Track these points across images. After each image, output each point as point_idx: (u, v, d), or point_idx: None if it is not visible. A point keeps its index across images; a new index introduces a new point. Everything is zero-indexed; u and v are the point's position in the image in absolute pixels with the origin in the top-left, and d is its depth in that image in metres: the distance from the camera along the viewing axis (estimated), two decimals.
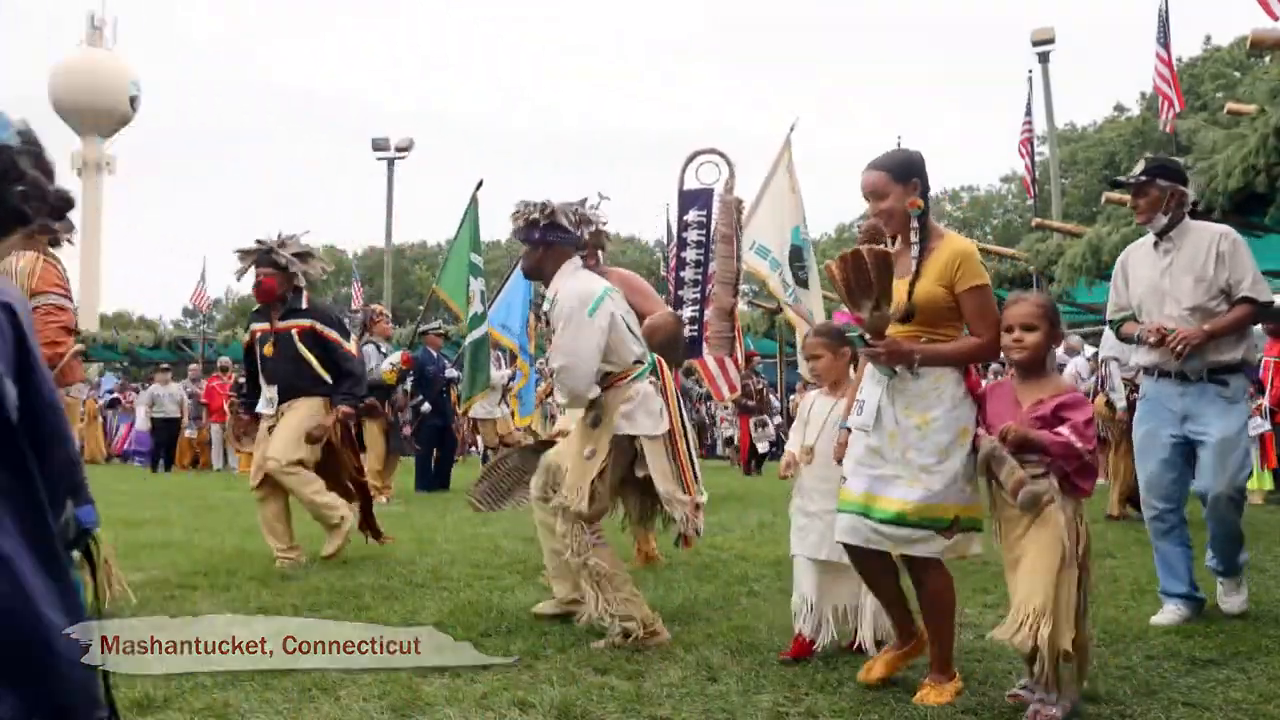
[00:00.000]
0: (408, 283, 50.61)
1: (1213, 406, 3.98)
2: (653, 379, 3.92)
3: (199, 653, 3.53)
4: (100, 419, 21.13)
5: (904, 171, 3.17)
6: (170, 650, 3.59)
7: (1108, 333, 7.51)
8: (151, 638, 3.97)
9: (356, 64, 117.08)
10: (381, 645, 3.57)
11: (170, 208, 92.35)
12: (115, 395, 21.87)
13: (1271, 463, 9.40)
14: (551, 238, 3.95)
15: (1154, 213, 4.13)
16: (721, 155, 7.54)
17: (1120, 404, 7.44)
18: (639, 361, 3.92)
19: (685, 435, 3.94)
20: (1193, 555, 4.14)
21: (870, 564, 3.15)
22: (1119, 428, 7.61)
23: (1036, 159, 19.74)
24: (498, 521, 6.98)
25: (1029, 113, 18.15)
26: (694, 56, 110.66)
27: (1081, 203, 34.73)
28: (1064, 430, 2.81)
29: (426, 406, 10.93)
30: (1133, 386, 7.48)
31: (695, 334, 8.21)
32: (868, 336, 3.04)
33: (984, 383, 3.18)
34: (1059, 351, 15.59)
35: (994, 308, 3.12)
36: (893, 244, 3.23)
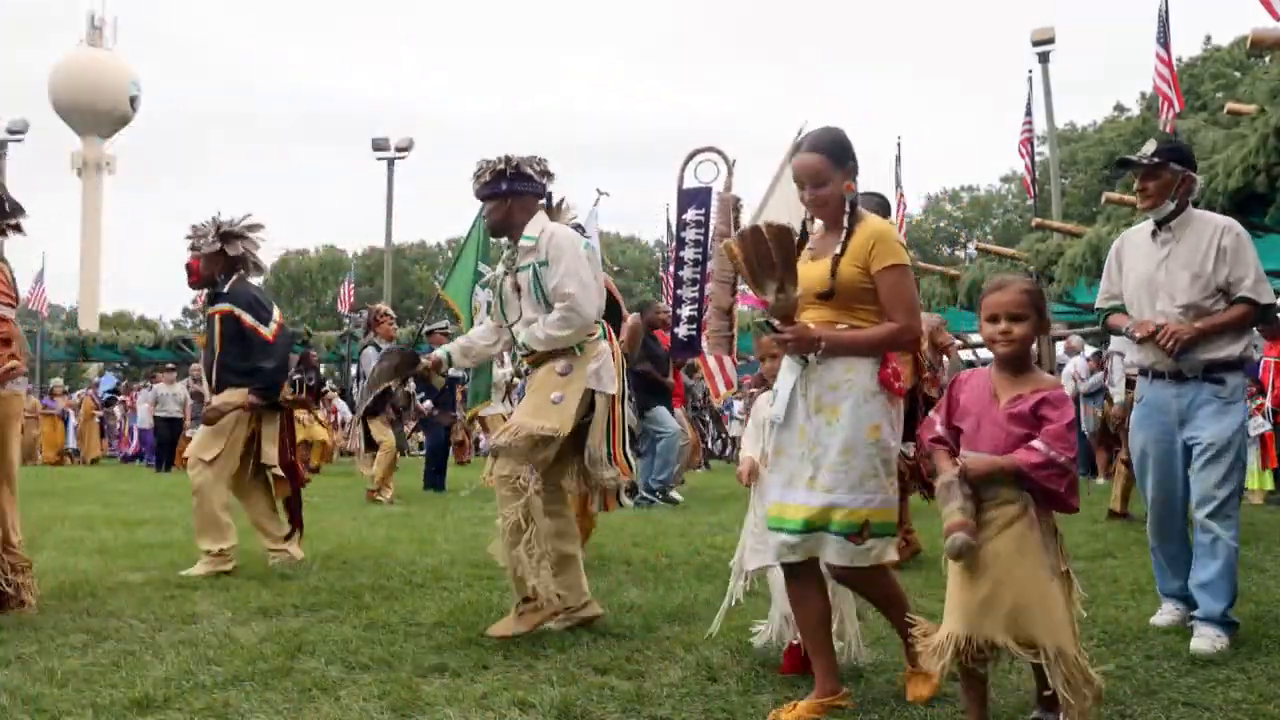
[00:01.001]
0: (407, 283, 50.62)
1: (1208, 407, 3.74)
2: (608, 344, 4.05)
3: (199, 653, 3.55)
4: (96, 419, 21.14)
5: (843, 154, 3.01)
6: (170, 650, 3.60)
7: None
8: (152, 638, 4.00)
9: (357, 64, 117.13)
10: (381, 645, 3.58)
11: (170, 208, 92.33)
12: (112, 395, 21.89)
13: (1272, 462, 9.41)
14: (519, 187, 4.00)
15: (1162, 198, 3.86)
16: (720, 154, 7.53)
17: (1118, 398, 7.44)
18: (598, 323, 4.02)
19: (623, 407, 4.02)
20: (1191, 558, 3.90)
21: (796, 585, 3.00)
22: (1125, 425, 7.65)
23: (1036, 159, 19.74)
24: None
25: (1029, 113, 18.15)
26: (694, 57, 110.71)
27: (1081, 203, 34.71)
28: (1038, 444, 2.49)
29: (428, 404, 10.94)
30: (1131, 382, 7.51)
31: (694, 333, 8.21)
32: (774, 322, 2.85)
33: (945, 378, 3.12)
34: (1059, 350, 15.61)
35: (911, 291, 2.94)
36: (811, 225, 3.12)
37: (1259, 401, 9.47)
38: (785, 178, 8.90)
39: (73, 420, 21.68)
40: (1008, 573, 2.47)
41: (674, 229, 8.67)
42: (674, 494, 9.76)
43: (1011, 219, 45.86)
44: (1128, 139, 33.35)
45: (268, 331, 5.55)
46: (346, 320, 27.04)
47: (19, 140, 28.69)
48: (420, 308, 41.74)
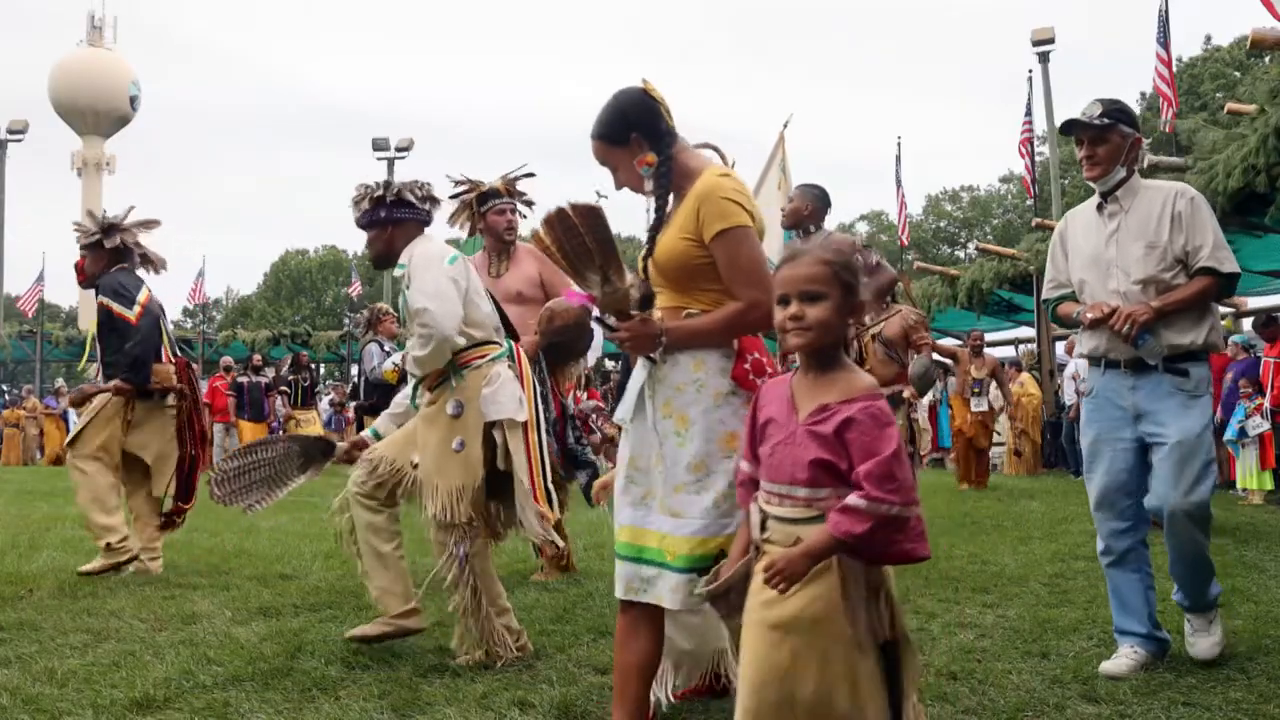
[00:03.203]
0: None
1: (1170, 401, 3.33)
2: (510, 364, 3.69)
3: (199, 653, 3.55)
4: None
5: (620, 130, 2.59)
6: (170, 650, 3.60)
7: None
8: (152, 638, 3.99)
9: (357, 64, 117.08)
10: (381, 645, 3.58)
11: (170, 208, 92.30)
12: None
13: (1271, 462, 9.41)
14: (399, 214, 3.72)
15: (1112, 165, 3.46)
16: (717, 150, 7.53)
17: None
18: (496, 342, 3.69)
19: (540, 434, 3.67)
20: (1154, 587, 3.47)
21: (630, 619, 2.50)
22: None
23: (1036, 159, 19.75)
24: None
25: (1029, 113, 18.17)
26: (694, 57, 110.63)
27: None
28: (856, 501, 1.83)
29: None
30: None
31: None
32: (608, 318, 2.46)
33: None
34: (1059, 350, 15.53)
35: (753, 257, 2.45)
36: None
37: (1258, 401, 9.49)
38: (770, 174, 8.92)
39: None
40: (807, 645, 1.88)
41: None
42: None
43: (1011, 219, 45.87)
44: None
45: (130, 314, 5.39)
46: (346, 320, 27.07)
47: (19, 140, 28.71)
48: None
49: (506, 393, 3.55)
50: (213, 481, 3.95)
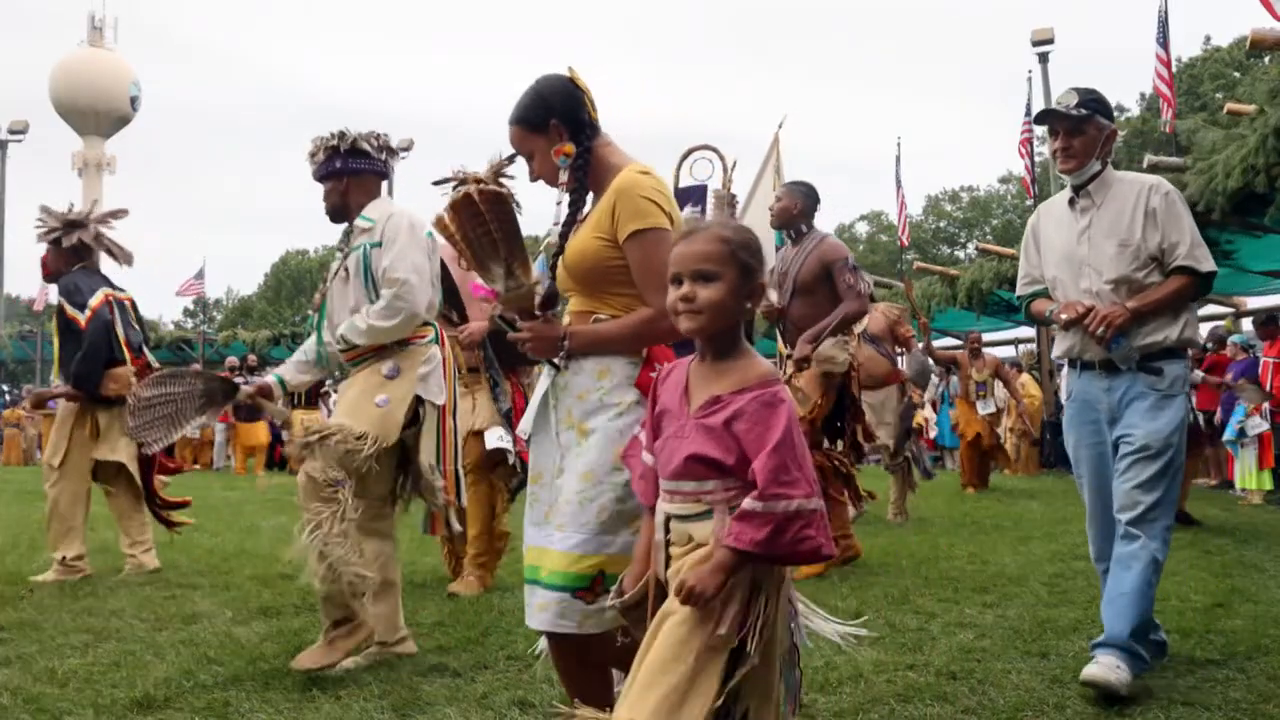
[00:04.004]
0: None
1: (1141, 403, 3.18)
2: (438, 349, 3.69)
3: (199, 653, 3.55)
4: None
5: (539, 115, 2.39)
6: (170, 650, 3.60)
7: None
8: (152, 638, 3.99)
9: (357, 63, 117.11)
10: (382, 645, 3.58)
11: (170, 208, 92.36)
12: None
13: (1270, 462, 9.41)
14: (356, 165, 3.62)
15: (1088, 158, 3.32)
16: (715, 151, 7.52)
17: None
18: (431, 325, 3.66)
19: (454, 420, 3.71)
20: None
21: (565, 651, 2.26)
22: None
23: (1036, 159, 19.74)
24: None
25: (1029, 113, 18.15)
26: (693, 56, 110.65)
27: None
28: (752, 504, 1.67)
29: None
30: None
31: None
32: (513, 318, 2.30)
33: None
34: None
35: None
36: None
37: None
38: (765, 174, 8.92)
39: None
40: (666, 645, 1.74)
41: None
42: None
43: (1011, 219, 45.87)
44: (1127, 139, 33.42)
45: (81, 317, 5.25)
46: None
47: (19, 140, 28.73)
48: None
49: (436, 376, 3.60)
50: (128, 411, 3.75)
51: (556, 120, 2.37)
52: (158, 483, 5.58)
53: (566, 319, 2.37)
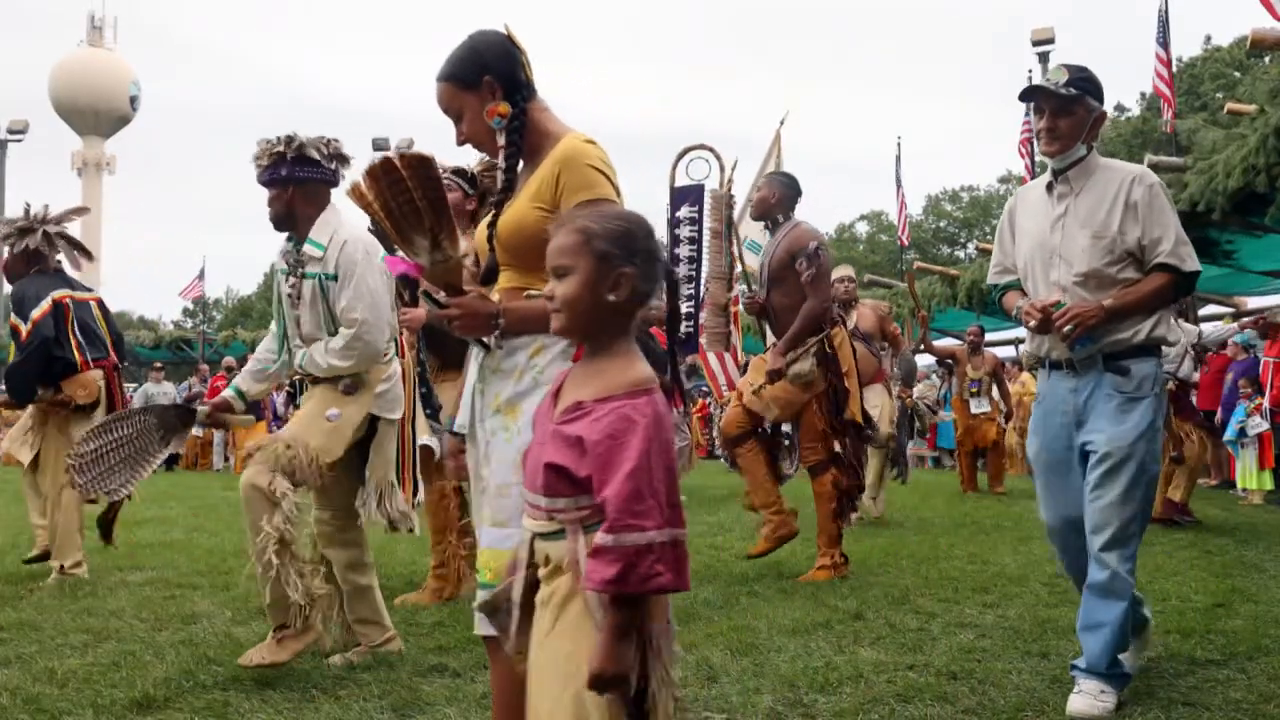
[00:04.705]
0: None
1: (1106, 405, 2.97)
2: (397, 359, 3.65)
3: (199, 653, 3.55)
4: None
5: (472, 71, 2.20)
6: (170, 650, 3.60)
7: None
8: (152, 638, 3.99)
9: (357, 63, 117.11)
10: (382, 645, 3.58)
11: (170, 208, 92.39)
12: None
13: (1269, 462, 9.41)
14: (302, 173, 3.43)
15: (1074, 140, 3.08)
16: (711, 150, 7.53)
17: None
18: (392, 339, 3.60)
19: (413, 428, 3.68)
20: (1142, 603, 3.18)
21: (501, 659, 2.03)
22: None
23: (1036, 159, 19.74)
24: None
25: (1029, 113, 18.15)
26: (694, 56, 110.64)
27: None
28: (604, 538, 1.50)
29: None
30: (1172, 378, 6.92)
31: (691, 330, 8.23)
32: (438, 295, 2.10)
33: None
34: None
35: None
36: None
37: (1257, 401, 9.49)
38: (769, 170, 8.93)
39: None
40: (538, 683, 1.63)
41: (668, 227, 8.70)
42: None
43: None
44: (1127, 139, 33.43)
45: (23, 327, 5.18)
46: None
47: (19, 140, 28.71)
48: None
49: (394, 393, 3.56)
50: (71, 470, 3.56)
51: (491, 77, 2.19)
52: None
53: (495, 296, 2.18)
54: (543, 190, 2.10)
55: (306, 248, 3.44)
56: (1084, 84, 3.09)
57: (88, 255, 5.63)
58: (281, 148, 3.43)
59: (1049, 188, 3.16)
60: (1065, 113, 3.08)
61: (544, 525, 1.63)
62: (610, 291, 1.64)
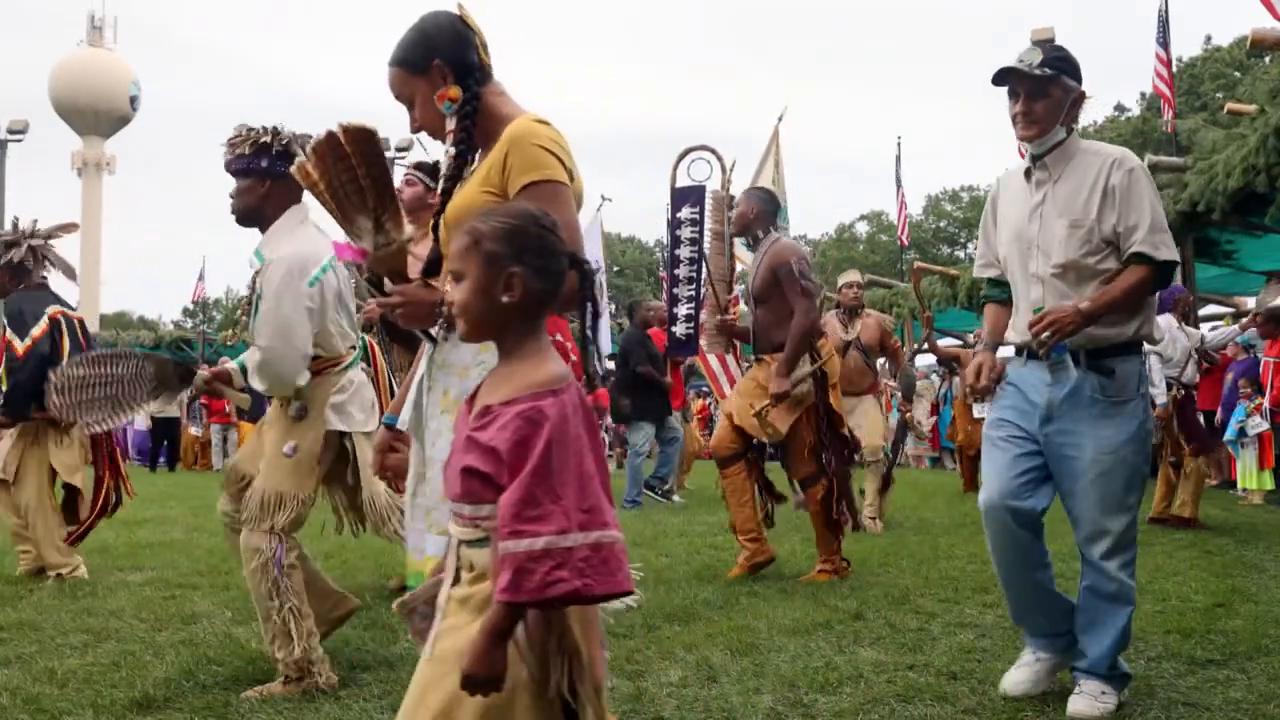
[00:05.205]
0: None
1: (1089, 409, 2.84)
2: (365, 366, 3.41)
3: (199, 653, 3.55)
4: None
5: (421, 56, 2.11)
6: (170, 650, 3.60)
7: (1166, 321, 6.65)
8: (152, 638, 3.99)
9: (357, 63, 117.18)
10: (381, 645, 3.58)
11: (170, 208, 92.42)
12: None
13: (1269, 462, 9.41)
14: (282, 168, 3.11)
15: (1051, 124, 2.91)
16: (713, 151, 7.53)
17: (1160, 399, 6.80)
18: (352, 347, 3.35)
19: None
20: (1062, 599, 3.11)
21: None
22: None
23: None
24: None
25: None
26: (694, 56, 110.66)
27: None
28: (506, 544, 1.44)
29: None
30: (1177, 385, 6.93)
31: (692, 331, 8.23)
32: (384, 280, 2.01)
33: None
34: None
35: (567, 222, 1.88)
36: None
37: (1258, 401, 9.49)
38: (765, 168, 8.93)
39: None
40: (434, 671, 1.57)
41: (669, 228, 8.71)
42: (675, 496, 9.81)
43: None
44: (1127, 139, 33.44)
45: (20, 346, 5.18)
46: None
47: (19, 140, 28.68)
48: None
49: (357, 402, 3.27)
50: (52, 388, 3.42)
51: (441, 61, 2.10)
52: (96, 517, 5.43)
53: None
54: (491, 174, 2.01)
55: (253, 256, 3.25)
56: (1059, 63, 2.93)
57: (71, 275, 5.64)
58: (267, 138, 3.23)
59: (1027, 174, 3.00)
60: (1041, 94, 2.91)
61: (469, 532, 1.58)
62: (504, 293, 1.57)
